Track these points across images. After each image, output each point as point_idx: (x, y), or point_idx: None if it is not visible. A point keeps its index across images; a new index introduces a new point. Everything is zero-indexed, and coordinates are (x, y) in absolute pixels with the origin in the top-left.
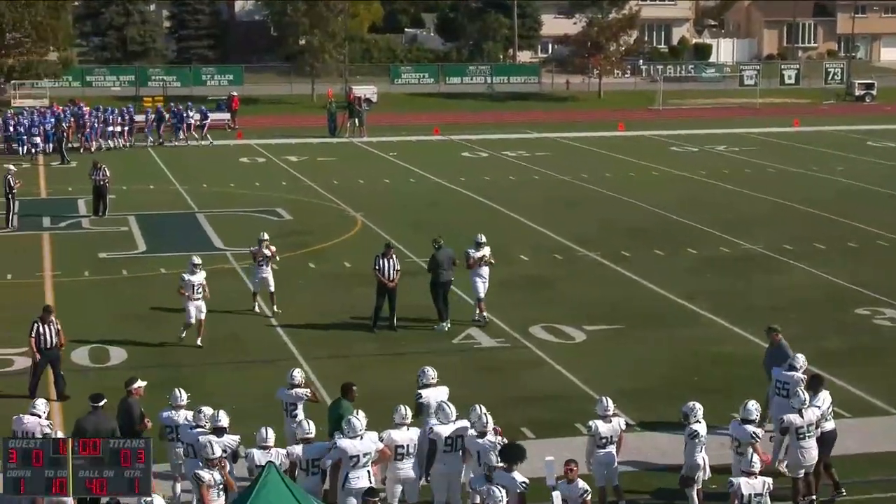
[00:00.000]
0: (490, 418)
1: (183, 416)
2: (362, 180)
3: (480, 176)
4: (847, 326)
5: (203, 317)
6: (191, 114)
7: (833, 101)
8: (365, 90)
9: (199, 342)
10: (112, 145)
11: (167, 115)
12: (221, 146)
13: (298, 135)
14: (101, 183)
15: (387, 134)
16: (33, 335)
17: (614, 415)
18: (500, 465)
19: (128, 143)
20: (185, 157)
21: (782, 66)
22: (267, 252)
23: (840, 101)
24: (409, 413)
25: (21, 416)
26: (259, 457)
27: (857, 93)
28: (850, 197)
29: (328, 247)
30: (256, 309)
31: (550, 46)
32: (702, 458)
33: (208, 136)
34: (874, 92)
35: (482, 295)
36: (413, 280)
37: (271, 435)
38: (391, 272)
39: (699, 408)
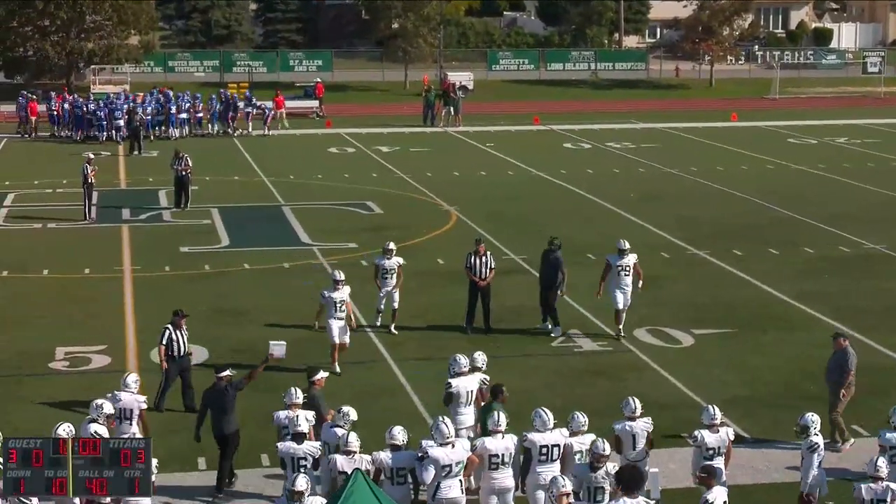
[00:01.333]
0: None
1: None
2: (457, 172)
3: (583, 168)
4: None
5: (347, 339)
6: (240, 104)
7: None
8: (460, 77)
9: (336, 368)
10: (178, 134)
11: (240, 104)
12: (309, 135)
13: (390, 124)
14: (183, 173)
15: (483, 123)
16: (164, 342)
17: (722, 424)
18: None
19: (196, 132)
20: (272, 147)
21: None
22: (393, 263)
23: None
24: (504, 420)
25: (116, 392)
26: (342, 462)
27: None
28: None
29: (420, 242)
30: (378, 323)
31: (659, 31)
32: (822, 472)
33: (268, 127)
34: None
35: (620, 306)
36: (508, 279)
37: (354, 440)
38: (483, 270)
39: (818, 420)
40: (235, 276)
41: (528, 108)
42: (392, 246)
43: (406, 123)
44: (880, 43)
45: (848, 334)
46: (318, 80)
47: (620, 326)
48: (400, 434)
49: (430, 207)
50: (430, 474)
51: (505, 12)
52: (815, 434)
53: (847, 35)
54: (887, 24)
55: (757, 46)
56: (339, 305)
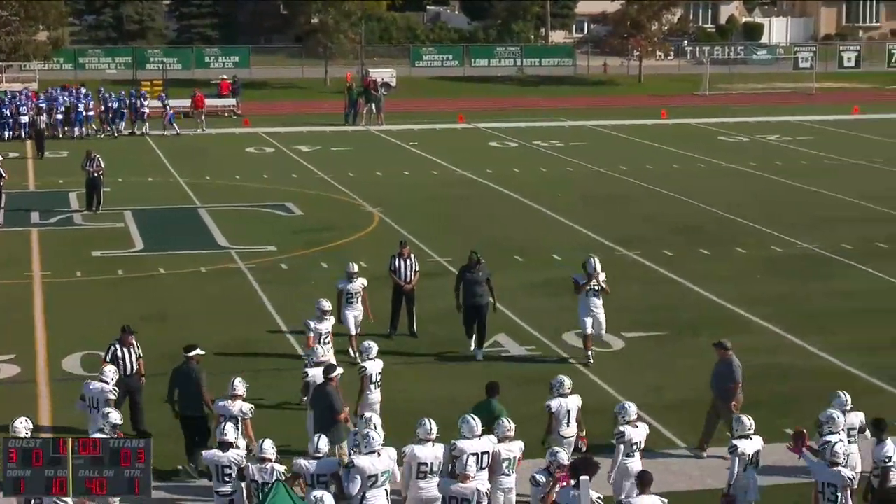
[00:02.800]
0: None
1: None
2: (380, 172)
3: (509, 167)
4: None
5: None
6: (144, 102)
7: None
8: (383, 73)
9: (355, 355)
10: (78, 133)
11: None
12: (226, 135)
13: (310, 122)
14: (95, 175)
15: (407, 121)
16: (108, 359)
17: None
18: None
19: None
20: (187, 147)
21: (841, 48)
22: (358, 286)
23: None
24: (435, 428)
25: (89, 381)
26: (255, 471)
27: None
28: None
29: (343, 245)
30: (351, 353)
31: (586, 26)
32: (752, 477)
33: (175, 125)
34: None
35: (589, 331)
36: (433, 282)
37: (270, 447)
38: (408, 273)
39: (747, 422)
40: (151, 281)
41: (453, 105)
42: (355, 268)
43: (327, 122)
44: (811, 38)
45: (783, 337)
46: (224, 76)
47: (589, 352)
48: (323, 443)
49: (352, 208)
50: (355, 485)
51: (428, 7)
52: (741, 437)
53: (778, 30)
54: (818, 18)
55: (686, 42)
56: (324, 337)
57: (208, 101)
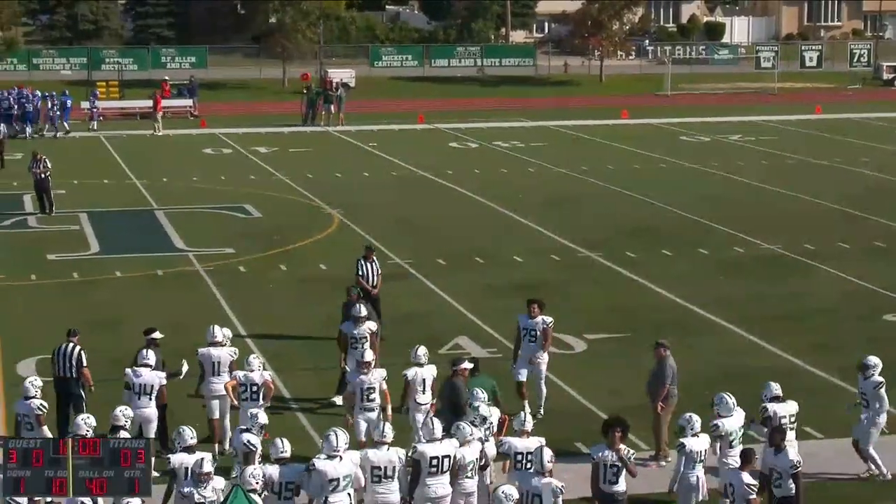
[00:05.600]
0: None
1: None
2: (339, 173)
3: (469, 168)
4: (876, 335)
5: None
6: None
7: (859, 86)
8: (342, 73)
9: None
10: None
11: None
12: (182, 136)
13: (268, 123)
14: (42, 176)
15: (366, 122)
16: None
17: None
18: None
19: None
20: (143, 148)
21: (803, 47)
22: (365, 331)
23: (866, 86)
24: (391, 431)
25: (136, 368)
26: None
27: (886, 76)
28: (878, 191)
29: (301, 247)
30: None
31: (547, 25)
32: (696, 476)
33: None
34: None
35: (522, 378)
36: (396, 284)
37: (209, 461)
38: (374, 278)
39: (696, 421)
40: (107, 285)
41: (413, 105)
42: (363, 311)
43: (285, 123)
44: (773, 37)
45: (744, 338)
46: (166, 78)
47: (524, 402)
48: (287, 446)
49: (311, 210)
50: (315, 488)
51: (388, 6)
52: (691, 436)
53: (739, 29)
54: (780, 18)
55: (648, 41)
56: (360, 342)
57: (172, 102)
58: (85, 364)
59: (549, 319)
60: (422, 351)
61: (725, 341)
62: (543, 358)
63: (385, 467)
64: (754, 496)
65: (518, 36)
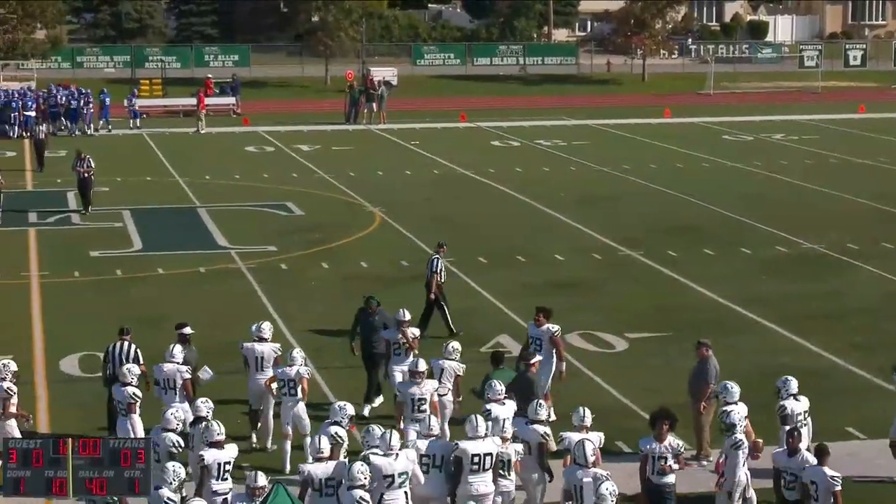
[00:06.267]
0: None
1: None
2: (381, 172)
3: (511, 167)
4: None
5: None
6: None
7: None
8: (384, 72)
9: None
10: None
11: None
12: (225, 134)
13: (311, 121)
14: (86, 175)
15: (408, 120)
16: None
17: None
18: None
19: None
20: (187, 146)
21: (847, 46)
22: (410, 337)
23: None
24: (437, 424)
25: (160, 364)
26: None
27: None
28: None
29: (343, 245)
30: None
31: (589, 24)
32: (744, 473)
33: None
34: None
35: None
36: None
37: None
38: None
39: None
40: (149, 282)
41: (455, 104)
42: (407, 315)
43: (327, 121)
44: (817, 36)
45: (785, 336)
46: (209, 76)
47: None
48: (326, 445)
49: (353, 208)
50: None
51: (430, 5)
52: (742, 431)
53: (783, 28)
54: (824, 16)
55: (690, 40)
56: (402, 348)
57: (214, 101)
58: (142, 362)
59: (555, 328)
60: (452, 346)
61: (766, 341)
62: (560, 366)
63: (434, 455)
64: (839, 487)
65: (560, 34)
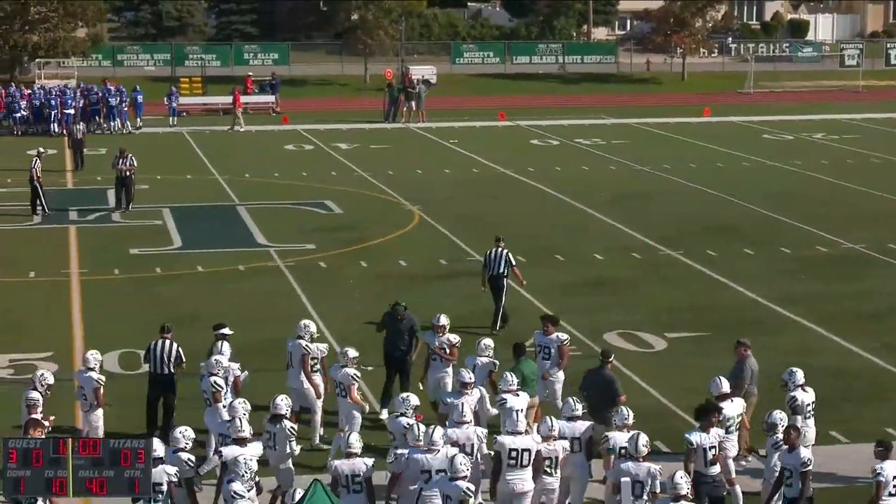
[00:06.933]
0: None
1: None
2: (420, 170)
3: (550, 166)
4: None
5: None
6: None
7: None
8: (423, 70)
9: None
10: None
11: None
12: (265, 132)
13: (350, 120)
14: (128, 173)
15: (447, 119)
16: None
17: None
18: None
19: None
20: (226, 144)
21: (888, 45)
22: (445, 342)
23: None
24: (469, 411)
25: (210, 359)
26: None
27: None
28: None
29: (382, 243)
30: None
31: (629, 23)
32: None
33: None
34: None
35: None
36: (476, 280)
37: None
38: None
39: (785, 417)
40: (188, 280)
41: (494, 103)
42: (444, 321)
43: (366, 119)
44: (858, 35)
45: (824, 336)
46: (250, 74)
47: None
48: (356, 442)
49: (391, 207)
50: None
51: (469, 3)
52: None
53: (824, 27)
54: (865, 15)
55: (731, 39)
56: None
57: (253, 99)
58: (183, 360)
59: (564, 337)
60: (485, 343)
61: (805, 340)
62: (559, 377)
63: (464, 444)
64: (811, 468)
65: (600, 33)
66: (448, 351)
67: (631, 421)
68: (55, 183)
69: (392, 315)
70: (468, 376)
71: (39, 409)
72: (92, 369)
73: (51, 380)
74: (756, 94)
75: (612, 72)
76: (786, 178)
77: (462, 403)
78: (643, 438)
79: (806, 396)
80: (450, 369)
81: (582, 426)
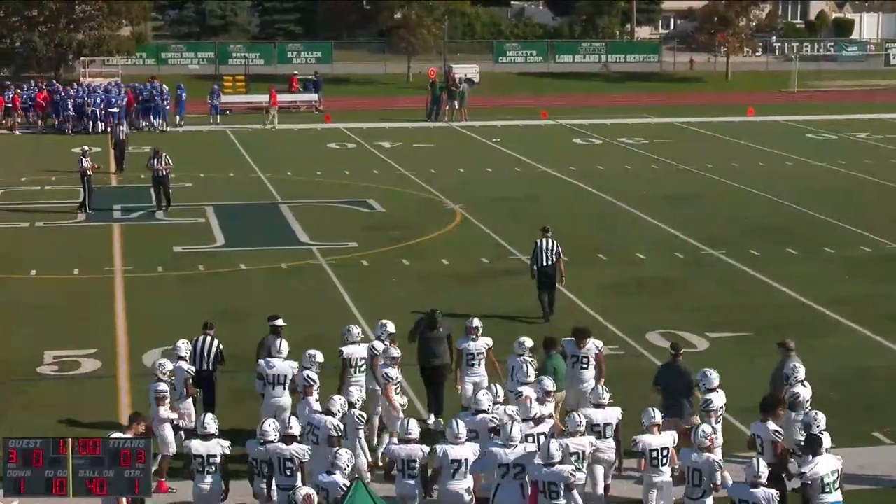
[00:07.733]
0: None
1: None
2: (462, 169)
3: (593, 165)
4: None
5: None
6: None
7: None
8: (466, 69)
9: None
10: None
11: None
12: (307, 130)
13: (392, 118)
14: (163, 173)
15: (489, 118)
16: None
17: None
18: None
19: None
20: (269, 142)
21: None
22: (481, 346)
23: None
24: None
25: (269, 359)
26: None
27: None
28: None
29: (424, 242)
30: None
31: (672, 22)
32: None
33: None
34: None
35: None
36: (518, 279)
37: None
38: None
39: (822, 418)
40: (231, 277)
41: (536, 101)
42: (477, 323)
43: (409, 118)
44: None
45: (871, 339)
46: (295, 73)
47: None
48: (415, 426)
49: (434, 205)
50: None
51: (512, 2)
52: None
53: (869, 26)
54: None
55: (775, 38)
56: (476, 358)
57: (281, 98)
58: (224, 356)
59: (599, 344)
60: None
61: (849, 341)
62: (590, 384)
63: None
64: (780, 441)
65: (643, 32)
66: (486, 356)
67: (659, 420)
68: (99, 181)
69: (429, 323)
70: (550, 384)
71: (167, 401)
72: (182, 358)
73: (169, 366)
74: (800, 93)
75: (655, 71)
76: (830, 178)
77: (496, 385)
78: (708, 429)
79: (806, 392)
80: (485, 373)
81: (611, 414)
